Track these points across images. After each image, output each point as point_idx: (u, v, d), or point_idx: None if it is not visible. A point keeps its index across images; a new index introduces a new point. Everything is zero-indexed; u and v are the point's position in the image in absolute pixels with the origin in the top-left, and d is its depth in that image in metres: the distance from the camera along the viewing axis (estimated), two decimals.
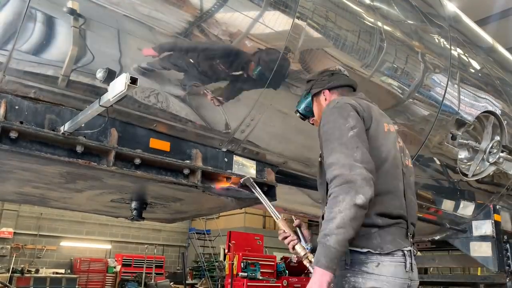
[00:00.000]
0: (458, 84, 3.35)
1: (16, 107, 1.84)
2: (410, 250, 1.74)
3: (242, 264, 10.57)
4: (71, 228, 16.06)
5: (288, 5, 2.22)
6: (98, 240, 16.66)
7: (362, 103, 1.85)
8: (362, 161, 1.60)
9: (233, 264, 10.50)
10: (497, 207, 4.39)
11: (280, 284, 11.08)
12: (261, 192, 2.34)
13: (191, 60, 2.10)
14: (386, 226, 1.71)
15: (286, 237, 2.05)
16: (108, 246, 16.84)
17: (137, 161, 2.10)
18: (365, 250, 1.67)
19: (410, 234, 1.80)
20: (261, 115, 2.41)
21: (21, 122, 1.82)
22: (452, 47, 3.35)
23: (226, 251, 11.52)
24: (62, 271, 13.92)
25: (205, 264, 16.10)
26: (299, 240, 2.02)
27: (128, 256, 15.66)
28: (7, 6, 1.67)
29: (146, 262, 14.23)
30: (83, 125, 1.87)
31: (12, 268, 12.59)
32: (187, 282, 13.45)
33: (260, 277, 10.75)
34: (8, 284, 10.24)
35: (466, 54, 3.61)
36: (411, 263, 1.72)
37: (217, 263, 15.47)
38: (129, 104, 2.08)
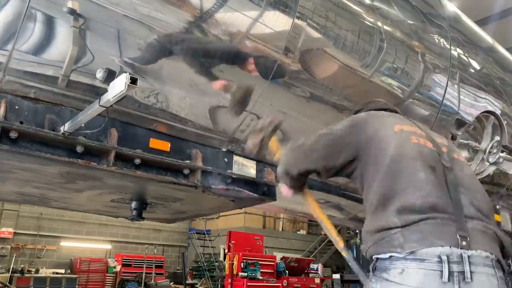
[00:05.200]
0: (458, 84, 3.35)
1: (16, 107, 1.84)
2: (459, 254, 1.38)
3: (242, 264, 10.57)
4: (71, 228, 16.06)
5: (288, 5, 2.22)
6: (98, 240, 16.65)
7: (375, 115, 1.89)
8: (296, 147, 1.82)
9: (233, 264, 10.50)
10: (497, 207, 4.39)
11: (280, 284, 11.08)
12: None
13: (191, 60, 2.10)
14: (410, 224, 1.44)
15: None
16: (108, 246, 16.83)
17: (137, 161, 2.11)
18: (387, 255, 1.46)
19: (462, 231, 1.42)
20: (261, 115, 2.41)
21: (21, 122, 1.82)
22: (452, 47, 3.35)
23: (226, 251, 11.53)
24: (62, 271, 13.92)
25: (205, 264, 16.10)
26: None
27: (128, 256, 15.65)
28: (7, 6, 1.67)
29: (146, 262, 14.23)
30: (83, 125, 1.87)
31: (12, 268, 12.58)
32: (187, 282, 13.45)
33: (260, 277, 10.75)
34: (8, 284, 10.24)
35: (466, 54, 3.61)
36: (460, 272, 1.35)
37: (217, 263, 15.47)
38: (129, 104, 2.08)
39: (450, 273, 1.35)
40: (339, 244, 1.83)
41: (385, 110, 2.06)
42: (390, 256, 1.45)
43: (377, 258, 1.51)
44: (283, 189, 1.95)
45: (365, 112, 1.96)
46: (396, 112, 2.10)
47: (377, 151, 1.69)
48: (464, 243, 1.41)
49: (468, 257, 1.38)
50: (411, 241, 1.41)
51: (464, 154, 3.85)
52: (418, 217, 1.45)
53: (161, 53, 2.01)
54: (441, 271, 1.35)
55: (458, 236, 1.41)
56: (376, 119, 1.84)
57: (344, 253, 1.83)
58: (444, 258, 1.36)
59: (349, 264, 1.83)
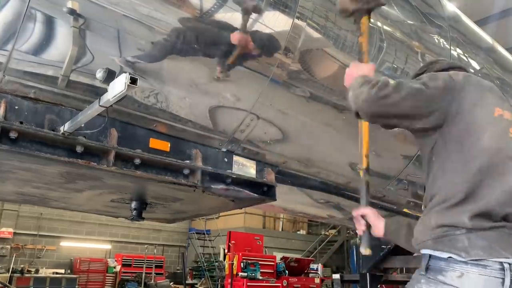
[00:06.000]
0: None
1: (16, 107, 1.84)
2: None
3: (242, 264, 10.58)
4: (71, 228, 16.07)
5: (288, 5, 2.22)
6: (98, 240, 16.67)
7: (475, 83, 1.63)
8: (382, 95, 1.52)
9: (233, 264, 10.51)
10: None
11: (280, 284, 11.09)
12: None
13: (191, 60, 2.10)
14: (480, 229, 1.39)
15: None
16: (108, 246, 16.84)
17: (137, 161, 2.10)
18: (446, 255, 1.39)
19: None
20: (261, 115, 2.41)
21: (21, 122, 1.82)
22: (451, 47, 3.34)
23: (226, 251, 11.53)
24: (62, 271, 13.93)
25: (205, 264, 16.12)
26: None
27: (128, 256, 15.67)
28: (7, 6, 1.67)
29: (146, 262, 14.24)
30: (83, 125, 1.87)
31: (12, 268, 12.60)
32: (187, 282, 13.46)
33: (260, 277, 10.76)
34: (8, 284, 10.25)
35: (465, 54, 3.61)
36: None
37: (217, 263, 15.49)
38: (129, 104, 2.08)
39: (511, 281, 1.34)
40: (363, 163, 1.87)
41: (453, 68, 1.80)
42: (449, 257, 1.39)
43: (431, 256, 1.44)
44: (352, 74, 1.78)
45: (463, 75, 1.65)
46: (465, 71, 1.81)
47: (466, 132, 1.51)
48: None
49: None
50: (477, 248, 1.36)
51: None
52: (489, 224, 1.40)
53: (161, 53, 2.01)
54: (503, 279, 1.33)
55: None
56: (474, 89, 1.59)
57: (361, 173, 1.87)
58: (507, 266, 1.34)
59: (360, 190, 1.87)
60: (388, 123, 1.62)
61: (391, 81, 1.55)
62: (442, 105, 1.53)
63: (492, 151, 1.48)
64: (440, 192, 1.52)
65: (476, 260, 1.36)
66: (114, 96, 1.58)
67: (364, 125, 1.93)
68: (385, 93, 1.51)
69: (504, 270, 1.34)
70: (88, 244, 16.32)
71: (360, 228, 1.82)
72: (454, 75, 1.62)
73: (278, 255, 13.20)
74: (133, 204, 2.80)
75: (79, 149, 1.94)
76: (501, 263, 1.34)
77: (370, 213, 1.81)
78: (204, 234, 17.66)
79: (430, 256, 1.45)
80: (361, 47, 1.97)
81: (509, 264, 1.35)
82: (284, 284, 11.16)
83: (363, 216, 1.81)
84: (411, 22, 3.09)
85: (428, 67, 1.94)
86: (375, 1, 1.92)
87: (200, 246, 17.54)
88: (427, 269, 1.45)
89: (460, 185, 1.47)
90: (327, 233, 19.41)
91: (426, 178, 1.63)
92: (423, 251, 1.50)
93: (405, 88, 1.52)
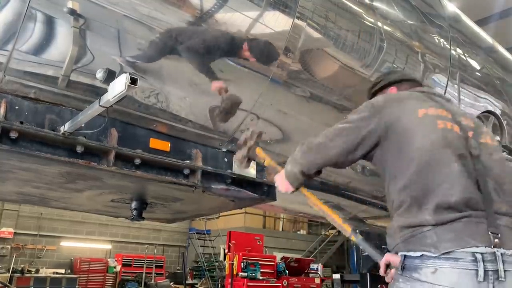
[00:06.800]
0: (458, 84, 3.35)
1: (16, 107, 1.84)
2: (493, 253, 1.35)
3: (242, 264, 10.56)
4: (71, 228, 16.05)
5: (288, 5, 2.22)
6: (98, 240, 16.65)
7: (395, 99, 1.75)
8: (314, 145, 1.73)
9: (233, 264, 10.49)
10: None
11: (280, 284, 11.07)
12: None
13: (191, 60, 2.10)
14: (444, 223, 1.40)
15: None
16: (108, 246, 16.83)
17: (137, 161, 2.11)
18: (418, 253, 1.41)
19: (494, 228, 1.40)
20: (261, 115, 2.41)
21: (21, 122, 1.82)
22: (452, 47, 3.34)
23: (226, 251, 11.52)
24: (62, 271, 13.91)
25: (205, 264, 16.10)
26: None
27: (128, 256, 15.65)
28: (7, 6, 1.67)
29: (146, 262, 14.23)
30: (83, 125, 1.87)
31: (12, 268, 12.58)
32: (187, 282, 13.45)
33: (260, 277, 10.74)
34: (8, 284, 10.24)
35: (466, 54, 3.61)
36: (494, 271, 1.33)
37: (217, 263, 15.48)
38: (129, 104, 2.08)
39: (485, 272, 1.33)
40: (347, 230, 1.82)
41: (406, 80, 1.95)
42: (422, 255, 1.41)
43: (405, 256, 1.47)
44: (283, 187, 1.88)
45: (383, 96, 1.81)
46: (416, 82, 1.97)
47: (400, 140, 1.59)
48: (496, 240, 1.38)
49: (501, 255, 1.36)
50: (445, 241, 1.38)
51: None
52: (453, 216, 1.41)
53: (161, 53, 2.01)
54: (476, 271, 1.33)
55: (490, 233, 1.39)
56: (395, 103, 1.70)
57: (353, 238, 1.81)
58: (479, 257, 1.34)
59: (361, 247, 1.82)
60: (334, 164, 1.73)
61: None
62: (371, 129, 1.64)
63: (427, 147, 1.54)
64: (395, 198, 1.58)
65: (447, 253, 1.37)
66: (114, 96, 1.58)
67: (313, 198, 1.96)
68: (314, 142, 1.72)
69: (477, 261, 1.34)
70: (88, 244, 16.30)
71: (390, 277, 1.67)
72: (375, 101, 1.76)
73: (278, 255, 13.18)
74: (133, 204, 2.80)
75: (79, 149, 1.94)
76: (473, 254, 1.35)
77: (395, 260, 1.61)
78: (204, 234, 17.65)
79: (405, 256, 1.47)
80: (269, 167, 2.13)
81: (481, 254, 1.35)
82: (284, 284, 11.15)
83: (388, 266, 1.64)
84: (411, 22, 3.09)
85: (384, 77, 2.06)
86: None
87: (200, 246, 17.52)
88: (403, 268, 1.47)
89: (409, 187, 1.52)
90: (327, 233, 19.38)
91: (385, 190, 1.69)
92: (399, 252, 1.53)
93: (329, 132, 1.71)
